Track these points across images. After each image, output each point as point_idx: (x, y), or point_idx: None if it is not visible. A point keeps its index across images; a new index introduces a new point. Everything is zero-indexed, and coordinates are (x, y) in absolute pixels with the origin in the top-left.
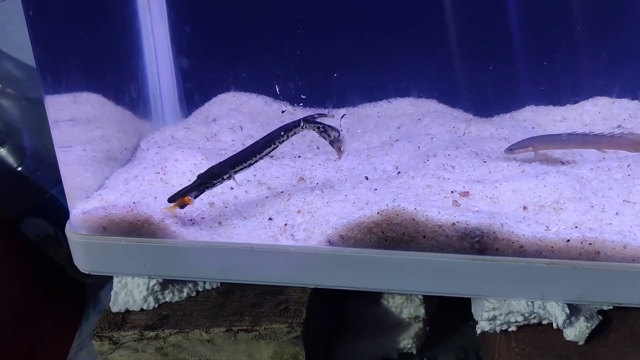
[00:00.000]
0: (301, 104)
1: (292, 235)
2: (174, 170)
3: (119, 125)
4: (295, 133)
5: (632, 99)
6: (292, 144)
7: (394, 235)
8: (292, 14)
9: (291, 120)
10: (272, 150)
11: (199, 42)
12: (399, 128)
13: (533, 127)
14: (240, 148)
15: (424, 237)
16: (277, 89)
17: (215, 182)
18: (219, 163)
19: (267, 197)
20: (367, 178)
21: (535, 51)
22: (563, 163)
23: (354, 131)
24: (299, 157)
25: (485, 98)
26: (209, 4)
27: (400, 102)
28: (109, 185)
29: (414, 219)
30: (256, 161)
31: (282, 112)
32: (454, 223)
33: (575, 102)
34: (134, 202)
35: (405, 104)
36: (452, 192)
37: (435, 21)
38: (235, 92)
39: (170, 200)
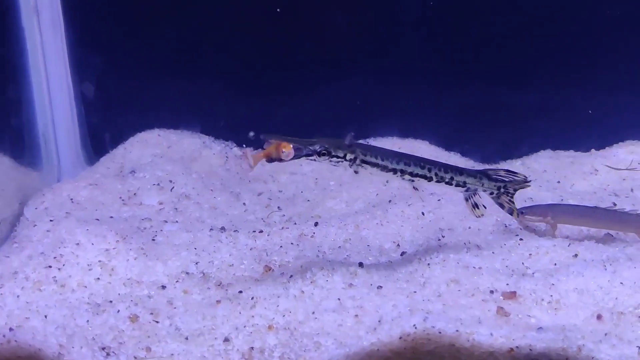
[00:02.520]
0: (252, 147)
1: None
2: (74, 263)
3: None
4: (475, 188)
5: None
6: (244, 204)
7: None
8: (243, 22)
9: None
10: (434, 180)
11: (108, 62)
12: (387, 182)
13: (559, 182)
14: (172, 213)
15: None
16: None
17: (337, 157)
18: (358, 143)
19: (218, 301)
20: (361, 265)
21: (548, 77)
22: (612, 236)
23: (325, 184)
24: (260, 231)
25: (487, 138)
26: (123, 10)
27: (383, 144)
28: None
29: (453, 346)
30: (403, 173)
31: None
32: (512, 349)
33: (602, 148)
34: (11, 329)
35: (389, 146)
36: (491, 292)
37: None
38: (162, 130)
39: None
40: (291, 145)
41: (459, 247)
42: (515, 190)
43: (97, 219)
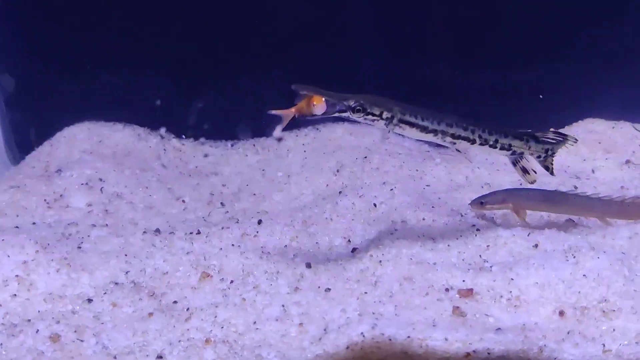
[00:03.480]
0: (193, 137)
1: None
2: None
3: None
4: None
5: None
6: (184, 201)
7: None
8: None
9: None
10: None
11: (30, 47)
12: (338, 171)
13: None
14: (102, 216)
15: None
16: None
17: (372, 114)
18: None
19: (150, 313)
20: (309, 265)
21: (503, 57)
22: (574, 221)
23: (273, 174)
24: (198, 232)
25: None
26: None
27: (334, 130)
28: None
29: (406, 353)
30: (445, 134)
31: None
32: (468, 354)
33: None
34: None
35: (341, 132)
36: (446, 289)
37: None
38: (92, 123)
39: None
40: (323, 99)
41: (412, 241)
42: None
43: (17, 227)
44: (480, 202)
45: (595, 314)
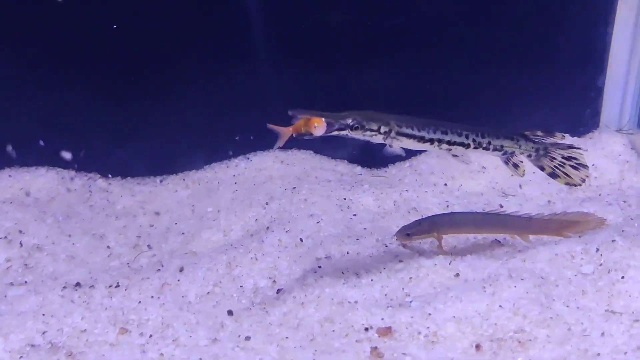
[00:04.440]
0: (120, 176)
1: None
2: None
3: None
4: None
5: (571, 135)
6: (109, 247)
7: None
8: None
9: None
10: (463, 146)
11: None
12: (267, 204)
13: (446, 184)
14: (21, 272)
15: None
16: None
17: (370, 130)
18: (389, 115)
19: None
20: (231, 313)
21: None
22: (499, 241)
23: (203, 210)
24: (117, 285)
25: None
26: None
27: (265, 159)
28: None
29: None
30: (441, 142)
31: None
32: None
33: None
34: None
35: (271, 160)
36: (366, 329)
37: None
38: (12, 170)
39: (295, 115)
40: (324, 120)
41: (336, 278)
42: (565, 156)
43: None
44: (406, 233)
45: (511, 344)
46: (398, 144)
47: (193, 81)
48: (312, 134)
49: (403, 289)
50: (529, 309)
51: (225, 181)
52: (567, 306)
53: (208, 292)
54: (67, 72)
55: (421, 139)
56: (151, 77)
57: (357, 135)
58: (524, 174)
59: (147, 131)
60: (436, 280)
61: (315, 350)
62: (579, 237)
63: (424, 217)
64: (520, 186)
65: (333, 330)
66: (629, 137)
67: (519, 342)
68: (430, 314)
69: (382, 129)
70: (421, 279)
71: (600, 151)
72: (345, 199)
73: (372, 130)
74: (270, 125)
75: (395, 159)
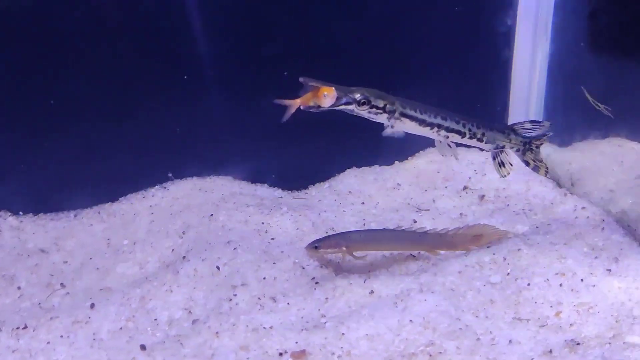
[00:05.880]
0: (32, 212)
1: None
2: None
3: None
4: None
5: (480, 149)
6: (19, 288)
7: None
8: None
9: None
10: (454, 135)
11: None
12: (184, 233)
13: (363, 203)
14: None
15: None
16: None
17: (376, 107)
18: (396, 97)
19: None
20: (143, 347)
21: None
22: (414, 256)
23: (118, 243)
24: (25, 327)
25: (291, 165)
26: None
27: (182, 187)
28: None
29: None
30: (440, 127)
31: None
32: None
33: (404, 159)
34: None
35: (189, 188)
36: (280, 354)
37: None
38: None
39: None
40: (334, 90)
41: (251, 305)
42: (537, 146)
43: None
44: (314, 246)
45: (422, 358)
46: (400, 126)
47: (108, 112)
48: (320, 106)
49: (319, 310)
50: (438, 321)
51: (142, 212)
52: (477, 316)
53: (121, 328)
54: None
55: (422, 122)
56: (62, 112)
57: (363, 111)
58: (508, 174)
59: (59, 165)
60: (352, 298)
61: None
62: (488, 247)
63: (335, 233)
64: (434, 200)
65: (247, 358)
66: None
67: (430, 355)
68: (343, 334)
69: (388, 108)
70: (337, 298)
71: None
72: (263, 223)
73: (377, 108)
74: (277, 100)
75: (316, 179)
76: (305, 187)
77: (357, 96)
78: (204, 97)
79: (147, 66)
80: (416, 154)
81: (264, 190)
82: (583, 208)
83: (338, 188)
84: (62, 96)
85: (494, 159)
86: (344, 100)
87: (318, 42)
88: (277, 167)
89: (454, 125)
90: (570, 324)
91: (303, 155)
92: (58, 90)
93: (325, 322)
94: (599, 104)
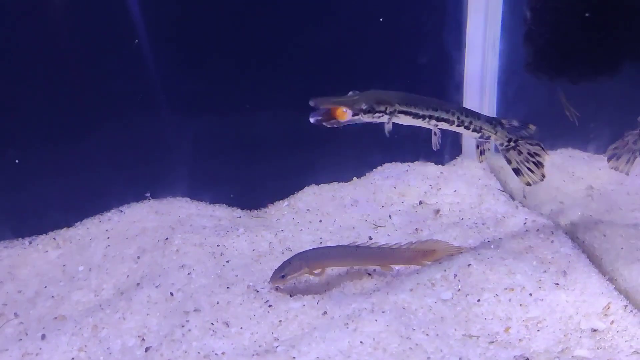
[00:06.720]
0: None
1: None
2: None
3: None
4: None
5: (435, 163)
6: None
7: None
8: None
9: None
10: (447, 125)
11: None
12: (139, 257)
13: (321, 221)
14: None
15: None
16: None
17: (379, 112)
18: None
19: None
20: None
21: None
22: (370, 274)
23: (74, 270)
24: None
25: (251, 182)
26: None
27: (138, 210)
28: None
29: None
30: (431, 118)
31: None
32: None
33: (362, 175)
34: None
35: (145, 211)
36: None
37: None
38: None
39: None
40: (348, 106)
41: (204, 331)
42: (530, 152)
43: None
44: (281, 275)
45: None
46: (397, 121)
47: (63, 134)
48: (340, 123)
49: (272, 333)
50: (389, 342)
51: (98, 237)
52: (427, 335)
53: (72, 358)
54: None
55: (416, 116)
56: (14, 136)
57: (368, 118)
58: (482, 162)
59: (13, 191)
60: (305, 320)
61: None
62: (440, 263)
63: (291, 256)
64: (390, 216)
65: None
66: (488, 162)
67: None
68: (294, 358)
69: (388, 110)
70: (290, 321)
71: (462, 177)
72: (219, 245)
73: (379, 112)
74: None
75: (275, 197)
76: (265, 206)
77: (363, 106)
78: (159, 117)
79: (99, 88)
80: (374, 170)
81: (222, 211)
82: (533, 221)
83: (297, 206)
84: (14, 120)
85: (476, 147)
86: (356, 107)
87: (274, 60)
88: (235, 187)
89: (443, 115)
90: (520, 339)
91: (262, 174)
92: (8, 114)
93: (277, 347)
94: (571, 108)
